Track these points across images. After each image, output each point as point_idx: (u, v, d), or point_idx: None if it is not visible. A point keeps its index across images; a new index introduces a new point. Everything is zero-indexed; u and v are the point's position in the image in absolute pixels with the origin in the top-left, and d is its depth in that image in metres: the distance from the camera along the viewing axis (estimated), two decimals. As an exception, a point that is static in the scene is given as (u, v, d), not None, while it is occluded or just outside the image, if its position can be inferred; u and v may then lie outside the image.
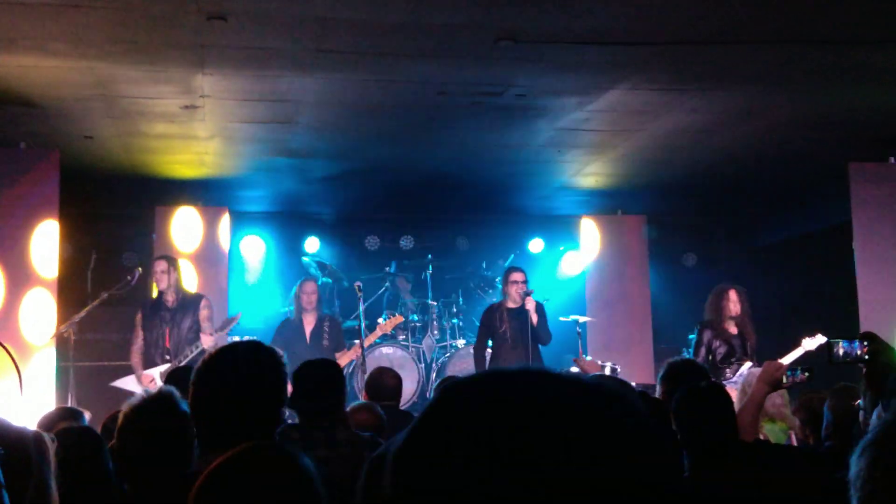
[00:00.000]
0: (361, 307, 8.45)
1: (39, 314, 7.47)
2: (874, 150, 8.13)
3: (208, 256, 9.52)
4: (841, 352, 3.46)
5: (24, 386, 7.13)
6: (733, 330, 7.92)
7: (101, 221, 10.44)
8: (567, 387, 0.85)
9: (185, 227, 9.57)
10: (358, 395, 7.99)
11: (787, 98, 7.00)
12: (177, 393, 2.65)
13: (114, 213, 10.55)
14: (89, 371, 8.76)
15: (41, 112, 7.08)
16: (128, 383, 7.75)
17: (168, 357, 7.68)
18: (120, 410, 3.58)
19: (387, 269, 10.94)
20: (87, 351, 8.74)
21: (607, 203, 10.49)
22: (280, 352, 2.66)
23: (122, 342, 8.66)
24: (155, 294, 8.12)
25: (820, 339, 7.11)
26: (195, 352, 7.56)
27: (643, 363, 9.73)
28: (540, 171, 9.46)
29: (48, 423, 3.78)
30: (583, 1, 5.12)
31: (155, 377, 7.54)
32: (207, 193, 9.69)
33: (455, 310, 10.39)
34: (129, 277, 7.91)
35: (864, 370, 3.34)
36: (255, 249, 10.92)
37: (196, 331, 7.77)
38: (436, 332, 10.29)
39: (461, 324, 10.31)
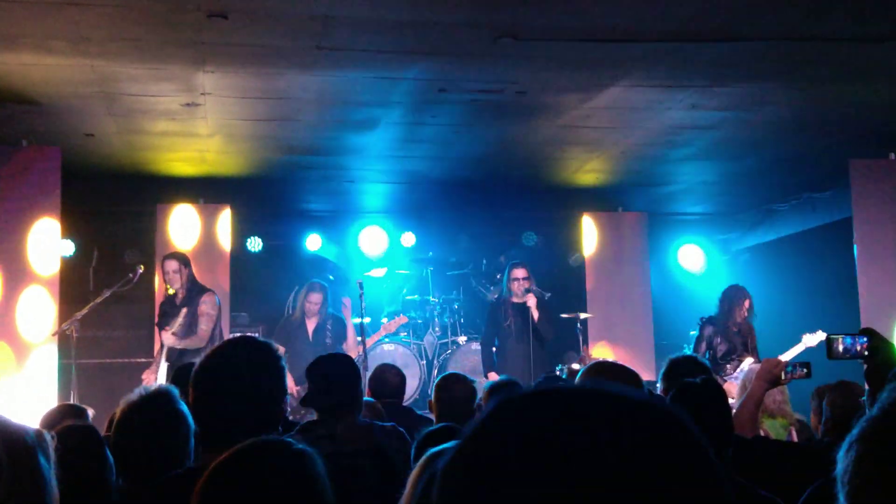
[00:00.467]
0: (362, 304, 8.46)
1: (39, 311, 7.46)
2: (875, 146, 8.13)
3: (210, 254, 9.51)
4: (841, 348, 3.46)
5: (24, 384, 7.18)
6: (735, 327, 7.95)
7: (103, 219, 10.45)
8: (629, 408, 0.80)
9: (185, 224, 9.55)
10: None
11: (787, 94, 7.00)
12: (174, 391, 2.66)
13: (115, 210, 10.55)
14: (92, 369, 8.78)
15: (42, 110, 7.09)
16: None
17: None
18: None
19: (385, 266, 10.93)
20: (90, 348, 8.76)
21: (607, 200, 10.49)
22: (279, 348, 2.66)
23: (124, 339, 8.69)
24: (166, 294, 8.02)
25: (821, 336, 7.14)
26: (163, 353, 7.45)
27: (644, 359, 9.73)
28: (540, 169, 9.46)
29: (51, 421, 3.79)
30: (583, -2, 5.13)
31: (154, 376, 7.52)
32: (208, 191, 9.69)
33: (456, 306, 10.40)
34: (130, 275, 7.91)
35: (864, 366, 3.35)
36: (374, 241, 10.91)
37: (189, 325, 7.64)
38: (437, 329, 10.30)
39: (462, 320, 10.32)
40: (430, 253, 10.85)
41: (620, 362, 7.90)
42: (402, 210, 11.33)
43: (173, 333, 7.47)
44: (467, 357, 9.58)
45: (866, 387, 3.34)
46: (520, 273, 8.40)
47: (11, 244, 7.45)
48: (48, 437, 1.69)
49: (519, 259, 9.01)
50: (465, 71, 6.41)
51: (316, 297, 8.73)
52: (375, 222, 11.12)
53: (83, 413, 4.23)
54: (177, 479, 2.36)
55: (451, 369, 9.35)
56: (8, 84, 6.49)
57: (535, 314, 8.14)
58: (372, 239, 10.99)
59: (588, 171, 9.59)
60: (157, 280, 8.76)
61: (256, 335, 7.46)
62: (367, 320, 8.57)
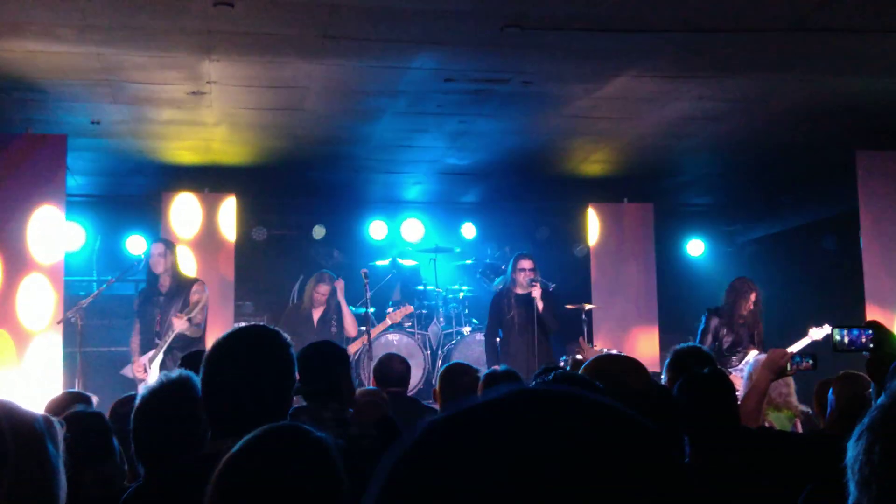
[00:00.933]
0: (368, 294, 8.47)
1: (41, 300, 7.41)
2: (882, 138, 8.11)
3: (214, 243, 9.51)
4: (846, 340, 3.47)
5: (24, 372, 7.17)
6: (741, 319, 7.94)
7: (108, 207, 10.46)
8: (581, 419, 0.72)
9: (190, 212, 9.52)
10: (365, 383, 8.02)
11: (793, 86, 6.98)
12: (195, 378, 2.66)
13: (120, 198, 10.57)
14: (96, 356, 8.81)
15: (48, 97, 7.09)
16: (129, 371, 7.74)
17: (158, 342, 7.50)
18: (128, 395, 3.62)
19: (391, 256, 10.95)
20: (94, 336, 8.78)
21: (613, 191, 10.48)
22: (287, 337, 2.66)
23: (128, 328, 8.69)
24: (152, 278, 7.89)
25: (827, 329, 7.12)
26: (171, 336, 7.35)
27: (649, 351, 9.73)
28: (546, 159, 9.45)
29: (56, 407, 3.80)
30: (590, -12, 5.11)
31: (145, 363, 7.49)
32: (213, 179, 9.69)
33: (461, 297, 10.41)
34: (135, 263, 7.91)
35: (868, 358, 3.35)
36: None
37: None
38: (442, 319, 10.30)
39: (467, 311, 10.32)
40: (435, 244, 10.85)
41: (625, 354, 7.94)
42: (406, 200, 11.34)
43: (189, 319, 7.32)
44: (471, 347, 9.59)
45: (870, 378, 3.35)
46: (526, 264, 8.41)
47: (18, 231, 7.44)
48: (57, 423, 1.69)
49: (524, 250, 9.02)
50: (471, 61, 6.40)
51: (324, 289, 8.76)
52: (380, 212, 11.14)
53: (88, 400, 4.25)
54: (188, 465, 2.36)
55: (455, 359, 9.37)
56: (14, 71, 6.48)
57: (540, 305, 8.14)
58: (376, 229, 11.06)
59: (594, 162, 9.57)
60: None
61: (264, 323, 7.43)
62: (371, 310, 8.58)
